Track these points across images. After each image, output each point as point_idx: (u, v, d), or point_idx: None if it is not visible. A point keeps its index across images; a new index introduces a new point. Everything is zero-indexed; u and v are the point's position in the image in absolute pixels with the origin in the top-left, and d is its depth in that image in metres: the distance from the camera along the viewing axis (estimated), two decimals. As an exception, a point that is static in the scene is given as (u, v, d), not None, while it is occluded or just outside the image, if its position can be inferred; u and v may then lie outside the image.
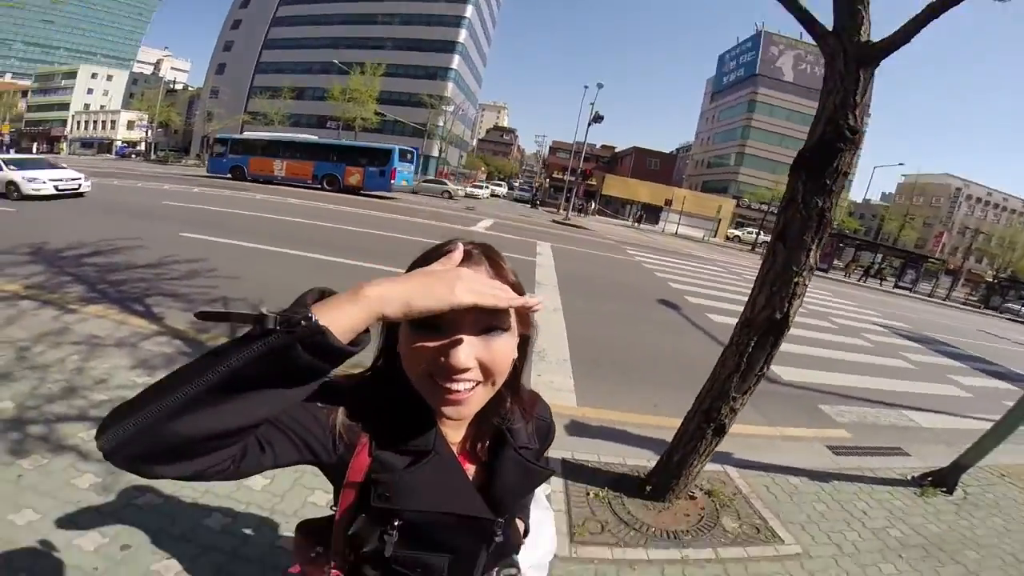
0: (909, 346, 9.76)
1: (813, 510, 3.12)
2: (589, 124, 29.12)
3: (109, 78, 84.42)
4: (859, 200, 62.14)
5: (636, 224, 36.96)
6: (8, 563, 1.86)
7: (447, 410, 0.63)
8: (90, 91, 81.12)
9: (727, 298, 10.56)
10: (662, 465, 2.85)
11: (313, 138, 26.25)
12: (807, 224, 2.18)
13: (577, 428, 3.71)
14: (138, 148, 58.90)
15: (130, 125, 64.69)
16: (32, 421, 2.74)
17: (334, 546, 0.74)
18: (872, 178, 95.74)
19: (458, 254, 0.63)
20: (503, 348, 0.64)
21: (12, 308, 4.56)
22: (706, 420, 2.56)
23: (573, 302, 7.70)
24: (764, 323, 2.28)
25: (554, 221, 25.76)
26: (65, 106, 77.78)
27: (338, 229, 11.93)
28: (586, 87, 30.01)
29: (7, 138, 63.01)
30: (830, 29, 2.17)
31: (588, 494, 2.82)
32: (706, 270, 15.82)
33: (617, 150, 70.69)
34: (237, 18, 64.09)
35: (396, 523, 0.66)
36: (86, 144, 68.21)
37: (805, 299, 2.34)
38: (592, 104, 29.40)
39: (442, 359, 0.60)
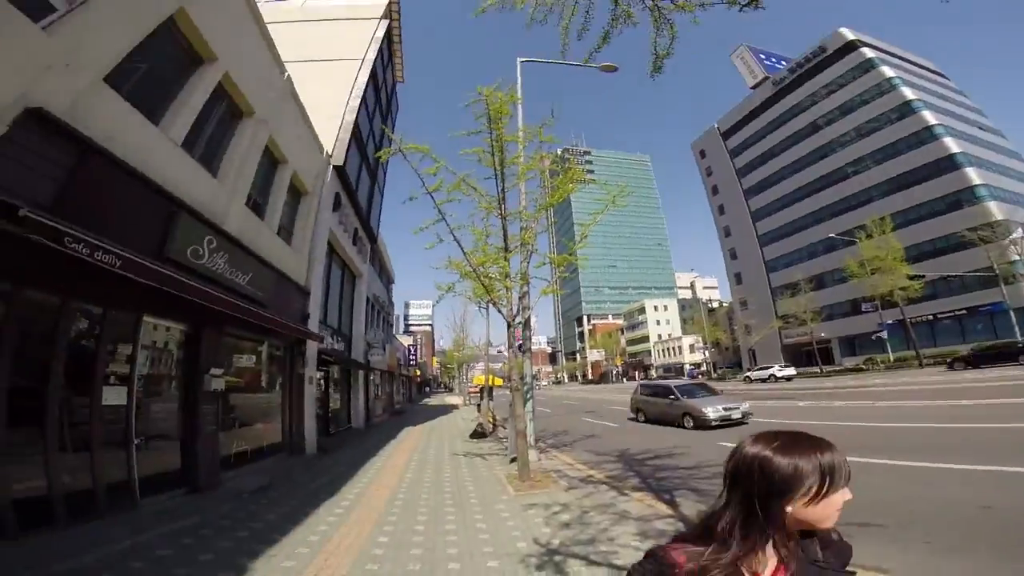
0: None
1: None
2: None
3: (665, 308, 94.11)
4: None
5: None
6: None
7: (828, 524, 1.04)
8: (657, 322, 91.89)
9: None
10: None
11: None
12: None
13: None
14: (702, 368, 67.17)
15: (692, 348, 75.44)
16: (565, 553, 4.36)
17: None
18: None
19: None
20: None
21: (594, 488, 7.06)
22: None
23: None
24: None
25: None
26: (646, 338, 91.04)
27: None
28: None
29: (619, 368, 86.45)
30: None
31: None
32: None
33: None
34: (724, 225, 65.32)
35: None
36: (667, 369, 77.67)
37: None
38: None
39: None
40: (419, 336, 71.23)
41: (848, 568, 1.11)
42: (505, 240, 8.31)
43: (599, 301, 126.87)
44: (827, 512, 1.02)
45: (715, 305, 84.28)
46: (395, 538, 5.13)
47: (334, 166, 14.40)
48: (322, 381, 14.91)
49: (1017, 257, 31.35)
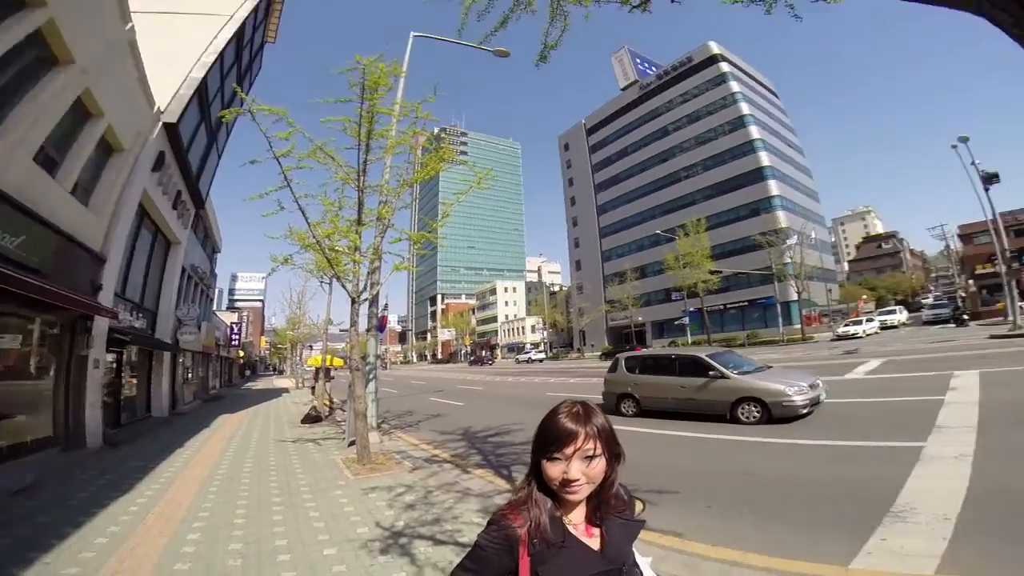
0: None
1: None
2: (986, 189, 21.36)
3: (514, 289, 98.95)
4: None
5: None
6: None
7: (568, 497, 1.12)
8: (506, 303, 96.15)
9: None
10: None
11: None
12: None
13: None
14: (540, 348, 70.78)
15: (533, 329, 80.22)
16: (407, 535, 4.31)
17: None
18: None
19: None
20: (596, 467, 1.12)
21: (439, 467, 7.12)
22: None
23: (1006, 443, 5.62)
24: None
25: (992, 337, 18.71)
26: (495, 318, 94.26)
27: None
28: (953, 146, 23.04)
29: (468, 348, 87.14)
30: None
31: None
32: None
33: (1070, 199, 43.07)
34: (573, 216, 70.65)
35: None
36: (511, 348, 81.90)
37: None
38: (974, 163, 21.56)
39: (564, 474, 1.10)
40: (246, 313, 63.51)
41: (643, 529, 1.28)
42: (359, 213, 7.84)
43: (455, 281, 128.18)
44: (550, 475, 1.12)
45: (556, 289, 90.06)
46: (209, 534, 4.53)
47: (165, 123, 12.80)
48: (114, 364, 12.43)
49: (790, 260, 39.29)
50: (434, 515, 4.84)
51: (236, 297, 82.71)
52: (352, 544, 4.16)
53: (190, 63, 14.30)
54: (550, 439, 1.12)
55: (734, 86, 53.48)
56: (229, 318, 41.27)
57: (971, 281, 40.10)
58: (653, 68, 66.02)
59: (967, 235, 44.66)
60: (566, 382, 21.70)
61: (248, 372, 62.96)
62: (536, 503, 1.14)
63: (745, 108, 52.15)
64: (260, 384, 41.78)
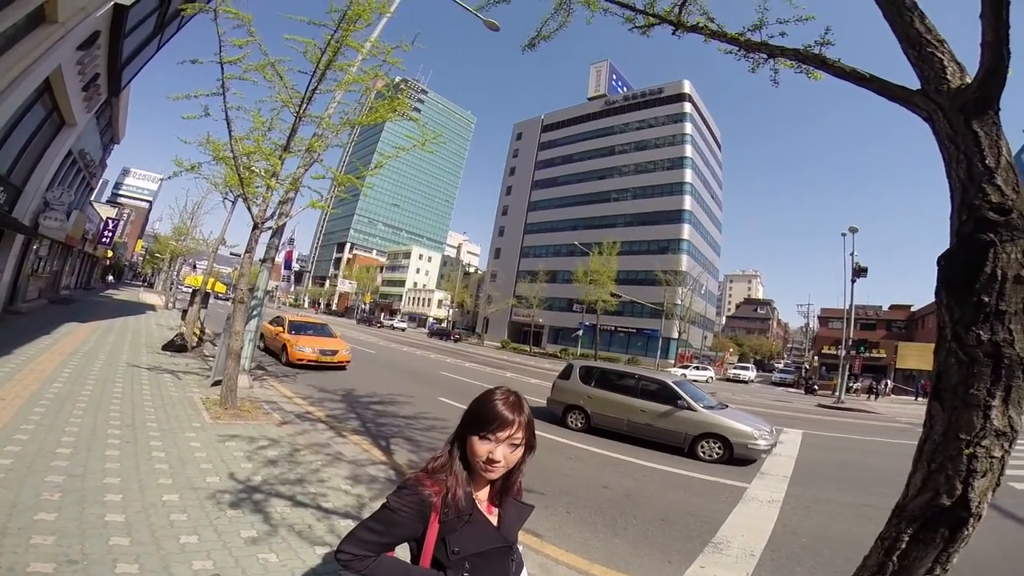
0: None
1: None
2: (853, 281, 24.58)
3: (429, 259, 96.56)
4: None
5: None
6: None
7: (487, 474, 1.25)
8: (418, 270, 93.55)
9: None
10: None
11: None
12: (971, 371, 1.50)
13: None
14: (442, 324, 69.79)
15: (440, 303, 79.30)
16: (264, 492, 4.03)
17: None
18: None
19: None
20: (516, 454, 1.26)
21: (311, 426, 6.79)
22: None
23: (807, 494, 6.67)
24: (922, 511, 1.64)
25: (820, 405, 22.11)
26: (403, 282, 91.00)
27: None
28: (843, 235, 24.84)
29: (367, 306, 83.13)
30: (914, 88, 1.77)
31: None
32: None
33: (915, 309, 52.09)
34: (505, 204, 70.95)
35: (466, 565, 1.21)
36: (412, 318, 78.79)
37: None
38: (852, 255, 24.59)
39: (490, 454, 1.21)
40: (128, 211, 55.41)
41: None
42: (289, 139, 7.36)
43: (370, 234, 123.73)
44: (477, 451, 1.22)
45: (472, 270, 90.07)
46: (22, 461, 3.89)
47: (117, 3, 10.86)
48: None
49: (680, 302, 42.96)
50: (298, 475, 4.59)
51: (122, 192, 72.25)
52: (198, 493, 3.81)
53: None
54: (486, 420, 1.22)
55: (688, 128, 56.24)
56: (107, 212, 35.62)
57: (816, 357, 46.78)
58: (624, 88, 67.81)
59: (825, 318, 52.13)
60: (461, 365, 21.80)
61: (112, 277, 55.23)
62: (455, 474, 1.24)
63: (688, 151, 55.17)
64: (123, 294, 36.82)
